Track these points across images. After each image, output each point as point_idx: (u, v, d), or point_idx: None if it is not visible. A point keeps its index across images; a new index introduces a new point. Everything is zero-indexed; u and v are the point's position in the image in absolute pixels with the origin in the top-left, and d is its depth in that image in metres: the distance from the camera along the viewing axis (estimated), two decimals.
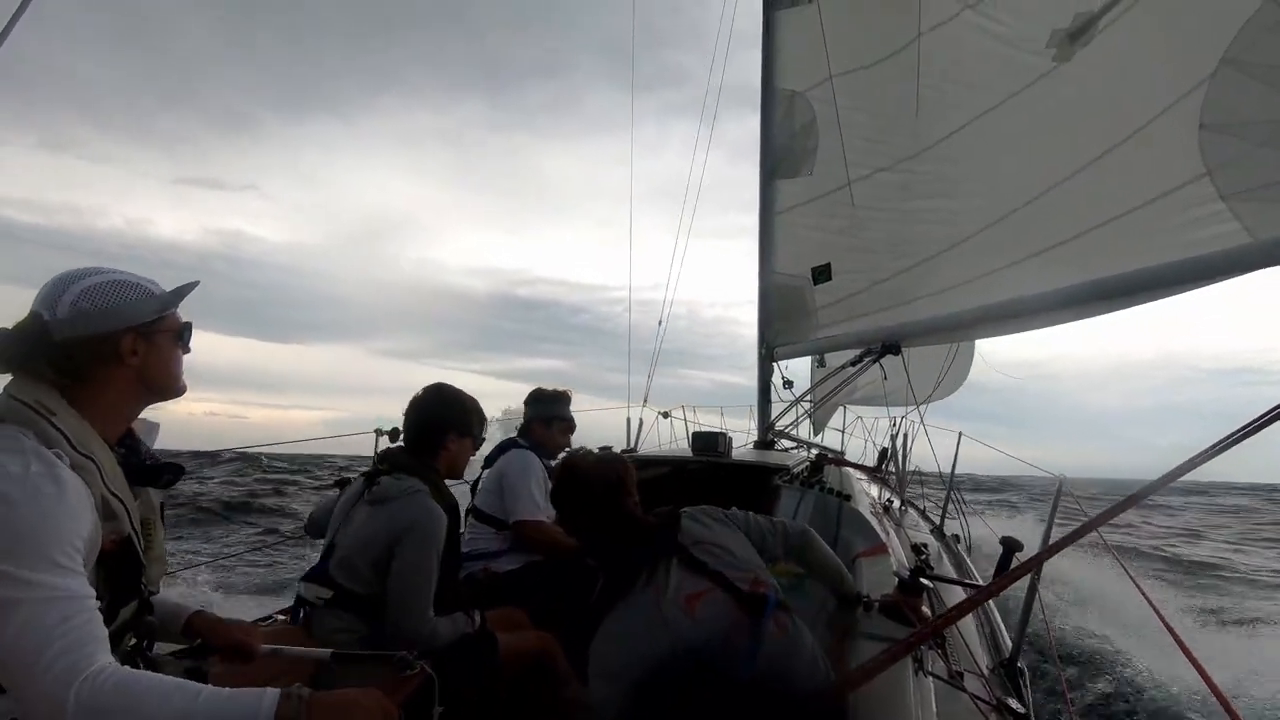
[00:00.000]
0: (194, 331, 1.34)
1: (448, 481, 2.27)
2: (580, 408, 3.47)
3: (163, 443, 1.47)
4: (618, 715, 1.52)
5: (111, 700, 0.94)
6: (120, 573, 1.17)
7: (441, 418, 2.23)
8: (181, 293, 1.30)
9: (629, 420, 6.31)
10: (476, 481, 3.24)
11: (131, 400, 1.26)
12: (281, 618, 2.33)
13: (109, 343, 1.19)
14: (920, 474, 5.75)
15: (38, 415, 1.09)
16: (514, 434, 3.34)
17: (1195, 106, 2.51)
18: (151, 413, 1.37)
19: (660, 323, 7.36)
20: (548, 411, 3.31)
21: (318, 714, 1.03)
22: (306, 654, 1.80)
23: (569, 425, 3.40)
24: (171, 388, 1.31)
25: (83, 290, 1.17)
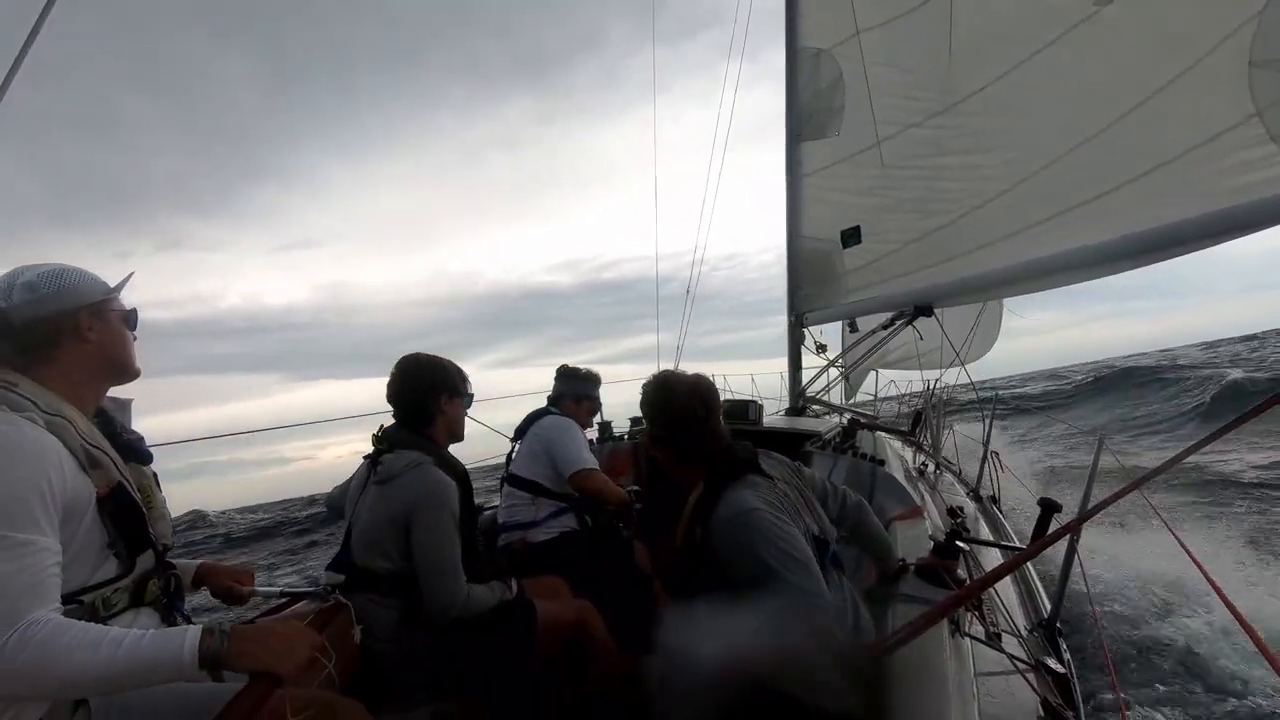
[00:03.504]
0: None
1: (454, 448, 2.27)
2: (608, 380, 3.50)
3: None
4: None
5: (36, 654, 0.98)
6: (124, 519, 1.24)
7: (430, 382, 2.20)
8: (121, 284, 1.39)
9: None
10: (510, 454, 3.29)
11: (94, 378, 1.33)
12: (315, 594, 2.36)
13: (67, 319, 1.26)
14: (954, 436, 5.66)
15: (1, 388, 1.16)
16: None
17: (1245, 43, 2.38)
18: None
19: (689, 292, 7.30)
20: (581, 390, 3.36)
21: (238, 643, 1.10)
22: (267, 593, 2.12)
23: (596, 407, 3.45)
24: (128, 367, 1.39)
25: (35, 277, 1.25)
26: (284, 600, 2.20)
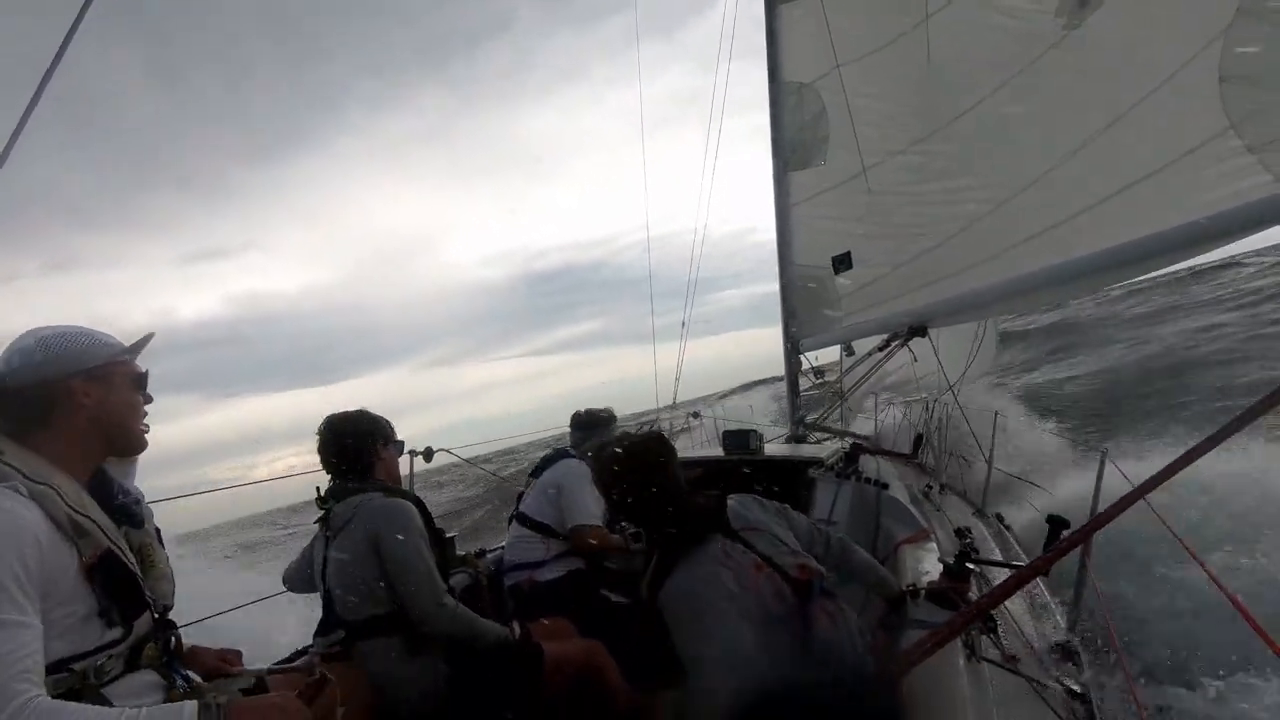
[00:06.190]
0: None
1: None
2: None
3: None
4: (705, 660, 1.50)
5: None
6: (116, 585, 1.21)
7: (364, 432, 2.23)
8: (138, 345, 1.35)
9: (656, 423, 6.31)
10: (521, 494, 3.28)
11: (90, 446, 1.29)
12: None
13: (59, 387, 1.23)
14: (962, 459, 5.64)
15: None
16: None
17: (1214, 60, 2.45)
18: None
19: (682, 337, 7.33)
20: (605, 436, 3.35)
21: (236, 715, 1.08)
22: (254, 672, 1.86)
23: None
24: (129, 436, 1.34)
25: (32, 342, 1.23)
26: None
